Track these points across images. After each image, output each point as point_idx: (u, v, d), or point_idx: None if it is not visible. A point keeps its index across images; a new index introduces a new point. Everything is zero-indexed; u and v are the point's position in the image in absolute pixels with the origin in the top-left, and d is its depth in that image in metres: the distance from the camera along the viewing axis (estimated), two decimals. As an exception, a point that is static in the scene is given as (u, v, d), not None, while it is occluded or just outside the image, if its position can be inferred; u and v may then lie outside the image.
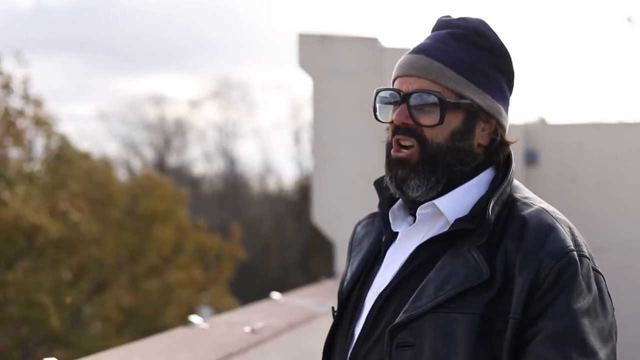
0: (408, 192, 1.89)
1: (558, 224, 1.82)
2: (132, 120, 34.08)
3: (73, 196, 20.03)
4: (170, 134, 34.29)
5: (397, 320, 1.81)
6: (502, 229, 1.83)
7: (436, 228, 1.89)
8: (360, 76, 6.39)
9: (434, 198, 1.89)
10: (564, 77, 42.39)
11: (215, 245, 22.57)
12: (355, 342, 1.90)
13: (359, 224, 2.14)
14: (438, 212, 1.89)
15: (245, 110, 39.79)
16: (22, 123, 20.80)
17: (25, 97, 20.48)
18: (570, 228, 1.84)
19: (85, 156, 21.84)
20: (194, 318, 3.82)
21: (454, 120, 1.87)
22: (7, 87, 20.28)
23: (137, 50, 44.45)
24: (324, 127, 6.52)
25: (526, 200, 1.88)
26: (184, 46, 45.88)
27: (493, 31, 1.94)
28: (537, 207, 1.86)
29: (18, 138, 20.80)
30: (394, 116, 1.89)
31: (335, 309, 2.03)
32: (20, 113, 20.57)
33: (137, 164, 32.52)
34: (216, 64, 45.21)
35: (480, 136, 1.91)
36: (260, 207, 33.67)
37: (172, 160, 34.52)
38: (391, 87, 1.94)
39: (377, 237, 2.03)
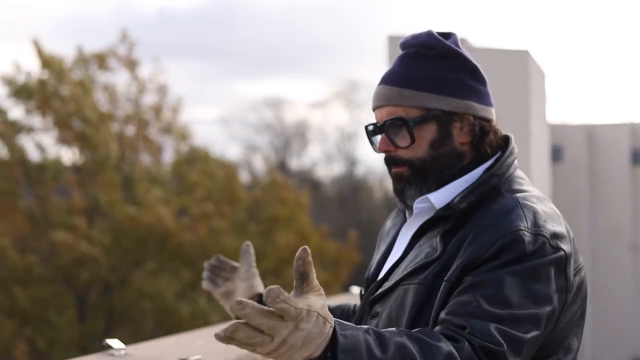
0: (407, 201, 2.08)
1: (520, 208, 1.92)
2: (253, 124, 34.77)
3: (201, 199, 20.64)
4: (291, 137, 34.82)
5: (375, 294, 2.03)
6: (471, 215, 1.96)
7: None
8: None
9: None
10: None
11: (333, 251, 22.81)
12: (357, 318, 2.13)
13: (388, 217, 2.33)
14: (433, 206, 2.04)
15: (369, 112, 39.84)
16: (153, 128, 21.64)
17: (158, 106, 21.31)
18: (534, 212, 1.92)
19: (210, 159, 22.48)
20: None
21: (429, 132, 2.03)
22: (142, 91, 21.15)
23: (258, 55, 45.27)
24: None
25: (507, 192, 1.99)
26: (303, 50, 46.49)
27: (438, 38, 2.07)
28: (511, 195, 1.97)
29: (149, 143, 21.63)
30: (377, 147, 2.10)
31: (364, 292, 2.24)
32: (153, 118, 21.41)
33: (258, 167, 33.14)
34: (335, 67, 45.62)
35: (461, 135, 2.05)
36: (379, 208, 33.80)
37: (293, 163, 35.04)
38: (373, 121, 2.13)
39: (400, 229, 2.21)
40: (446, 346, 1.73)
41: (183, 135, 21.59)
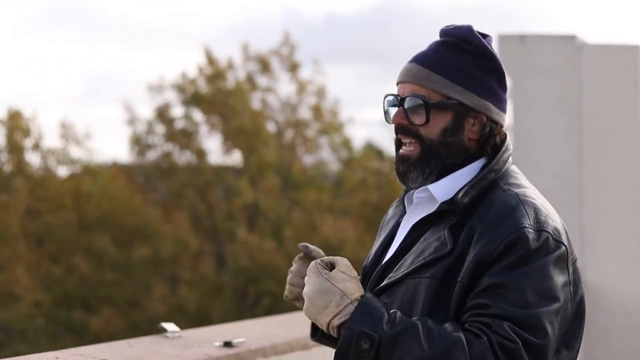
0: (409, 184, 2.21)
1: (522, 206, 2.05)
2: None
3: (358, 202, 20.90)
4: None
5: (381, 285, 2.15)
6: (473, 210, 2.09)
7: (431, 210, 2.18)
8: (558, 74, 6.43)
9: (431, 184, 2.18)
10: None
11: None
12: None
13: (391, 206, 2.44)
14: (433, 196, 2.18)
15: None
16: (313, 129, 22.08)
17: (317, 107, 21.74)
18: (535, 209, 2.05)
19: (369, 160, 22.71)
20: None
21: (444, 119, 2.16)
22: (303, 93, 21.66)
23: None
24: (523, 125, 6.62)
25: (506, 187, 2.12)
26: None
27: (478, 36, 2.19)
28: (511, 191, 2.09)
29: (309, 143, 22.09)
30: (392, 118, 2.22)
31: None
32: (312, 119, 21.85)
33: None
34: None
35: (470, 131, 2.17)
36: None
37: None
38: (394, 92, 2.24)
39: (399, 218, 2.33)
40: (458, 334, 1.92)
41: (340, 135, 21.88)
